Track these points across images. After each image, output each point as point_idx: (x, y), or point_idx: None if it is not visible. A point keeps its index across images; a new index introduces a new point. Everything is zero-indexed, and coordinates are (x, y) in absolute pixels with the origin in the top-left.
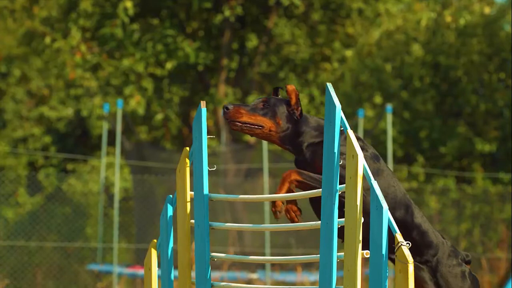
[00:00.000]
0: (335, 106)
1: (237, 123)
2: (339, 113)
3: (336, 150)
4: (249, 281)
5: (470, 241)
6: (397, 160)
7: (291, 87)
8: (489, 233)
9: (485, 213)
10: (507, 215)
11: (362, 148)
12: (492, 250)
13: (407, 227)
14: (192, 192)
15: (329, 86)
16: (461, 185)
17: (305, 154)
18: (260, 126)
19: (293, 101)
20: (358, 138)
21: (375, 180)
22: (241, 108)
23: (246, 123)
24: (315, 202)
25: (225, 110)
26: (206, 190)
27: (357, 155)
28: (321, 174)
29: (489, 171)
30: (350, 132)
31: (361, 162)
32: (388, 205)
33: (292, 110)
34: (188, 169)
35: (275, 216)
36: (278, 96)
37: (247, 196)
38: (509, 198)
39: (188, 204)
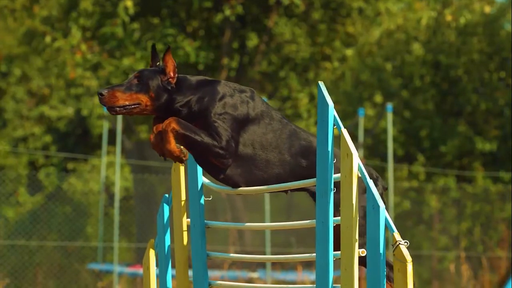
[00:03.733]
0: (327, 105)
1: (115, 108)
2: (332, 112)
3: (330, 149)
4: (250, 280)
5: (471, 240)
6: (397, 159)
7: (168, 56)
8: (489, 232)
9: (486, 212)
10: (507, 214)
11: (241, 91)
12: (492, 249)
13: (308, 152)
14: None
15: (321, 84)
16: (462, 184)
17: (183, 115)
18: (137, 104)
19: (167, 69)
20: (239, 90)
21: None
22: (115, 91)
23: (123, 106)
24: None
25: (100, 96)
26: (200, 189)
27: (352, 154)
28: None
29: (489, 170)
30: (344, 131)
31: (356, 161)
32: (283, 145)
33: (167, 79)
34: (182, 168)
35: (181, 161)
36: (156, 53)
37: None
38: (510, 197)
39: (184, 203)
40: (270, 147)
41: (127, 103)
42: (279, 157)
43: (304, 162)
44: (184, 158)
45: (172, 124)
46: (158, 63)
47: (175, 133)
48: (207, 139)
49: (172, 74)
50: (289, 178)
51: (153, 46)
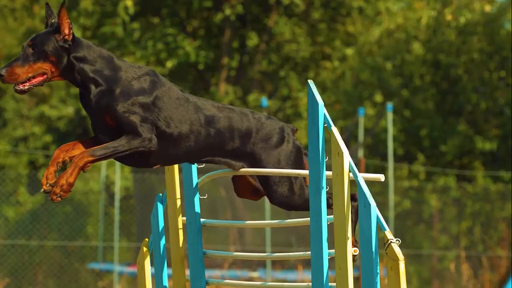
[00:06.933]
0: (317, 103)
1: (20, 86)
2: (322, 110)
3: (321, 148)
4: (250, 279)
5: (471, 239)
6: (397, 159)
7: (62, 12)
8: (489, 231)
9: (486, 212)
10: (507, 213)
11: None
12: (492, 249)
13: (214, 122)
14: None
15: (311, 83)
16: (462, 183)
17: (91, 97)
18: (42, 73)
19: (62, 27)
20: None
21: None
22: (14, 68)
23: (27, 81)
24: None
25: (1, 78)
26: (196, 188)
27: (343, 152)
28: (111, 125)
29: (489, 169)
30: (334, 129)
31: (347, 159)
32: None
33: (63, 39)
34: (176, 167)
35: (54, 199)
36: (51, 11)
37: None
38: (510, 196)
39: (179, 202)
40: (183, 119)
41: (30, 75)
42: (191, 128)
43: (212, 130)
44: (57, 200)
45: (85, 158)
46: (54, 20)
47: (89, 165)
48: (126, 143)
49: (67, 31)
50: (202, 148)
51: (47, 5)
